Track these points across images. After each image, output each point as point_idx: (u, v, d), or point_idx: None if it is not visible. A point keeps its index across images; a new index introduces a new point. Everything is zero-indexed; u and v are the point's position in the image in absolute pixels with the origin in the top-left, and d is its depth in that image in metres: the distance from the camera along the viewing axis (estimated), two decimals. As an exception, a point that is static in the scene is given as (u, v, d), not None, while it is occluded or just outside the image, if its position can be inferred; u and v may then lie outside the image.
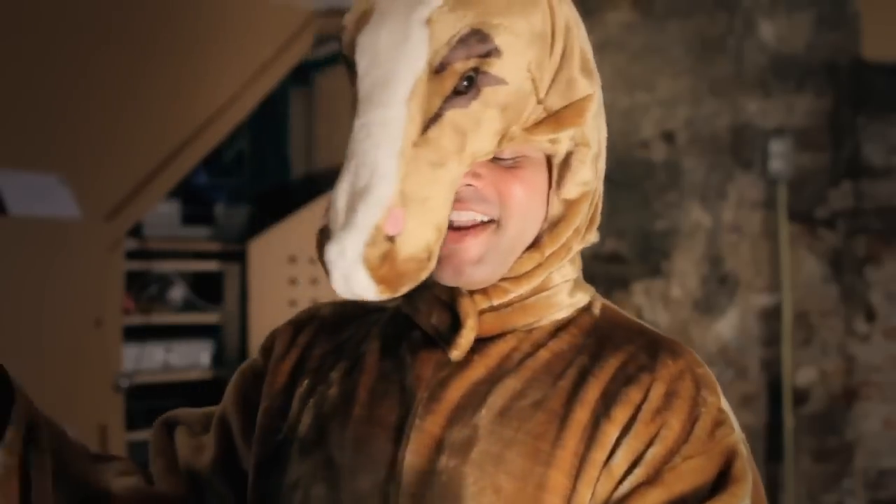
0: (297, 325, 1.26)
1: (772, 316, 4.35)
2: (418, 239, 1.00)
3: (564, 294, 1.15)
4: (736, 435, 1.09)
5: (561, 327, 1.14)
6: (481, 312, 1.12)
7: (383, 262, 0.98)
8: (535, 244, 1.12)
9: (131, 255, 3.77)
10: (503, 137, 1.06)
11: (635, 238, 4.43)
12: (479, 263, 1.09)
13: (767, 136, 4.35)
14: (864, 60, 4.33)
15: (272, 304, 3.90)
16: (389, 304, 1.22)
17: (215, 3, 3.71)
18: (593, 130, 1.14)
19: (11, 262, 3.24)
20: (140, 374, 3.75)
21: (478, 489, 1.04)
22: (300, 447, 1.14)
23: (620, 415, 1.06)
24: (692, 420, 1.06)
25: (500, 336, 1.12)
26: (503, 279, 1.11)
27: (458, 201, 1.06)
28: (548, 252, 1.12)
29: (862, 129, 4.34)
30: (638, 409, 1.06)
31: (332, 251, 0.98)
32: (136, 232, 3.82)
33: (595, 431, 1.05)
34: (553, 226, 1.13)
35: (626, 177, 4.44)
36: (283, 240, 3.91)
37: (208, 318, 4.04)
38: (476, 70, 1.03)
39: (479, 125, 1.03)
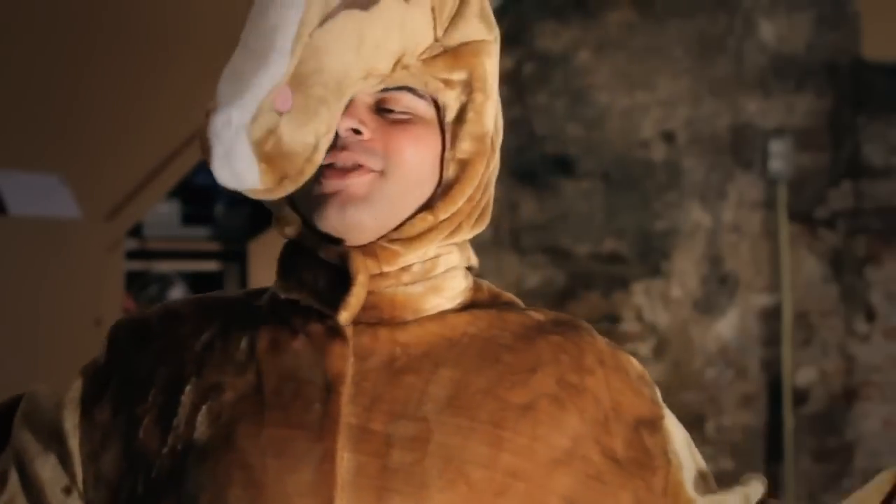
0: (139, 331, 1.15)
1: (772, 316, 4.36)
2: (306, 121, 0.98)
3: (460, 278, 1.13)
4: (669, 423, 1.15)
5: (467, 309, 1.12)
6: (374, 280, 1.07)
7: (268, 137, 0.96)
8: (427, 207, 1.09)
9: (131, 255, 3.78)
10: (398, 63, 1.05)
11: (635, 238, 4.43)
12: (364, 203, 1.05)
13: (767, 136, 4.35)
14: (864, 60, 4.34)
15: (272, 304, 3.90)
16: (256, 300, 1.15)
17: (215, 3, 3.71)
18: (491, 81, 1.11)
19: (11, 262, 3.24)
20: (140, 374, 3.74)
21: (445, 482, 1.02)
22: (197, 455, 1.05)
23: (583, 403, 1.08)
24: (640, 388, 1.12)
25: (414, 322, 1.09)
26: (393, 241, 1.07)
27: (342, 149, 1.04)
28: (441, 216, 1.08)
29: (862, 129, 4.34)
30: (599, 394, 1.09)
31: (218, 121, 0.96)
32: (136, 232, 3.82)
33: (560, 416, 1.06)
34: (447, 189, 1.09)
35: (626, 177, 4.44)
36: (283, 240, 3.91)
37: (208, 318, 4.03)
38: None
39: (377, 35, 1.02)
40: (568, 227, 4.29)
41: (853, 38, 4.37)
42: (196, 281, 4.06)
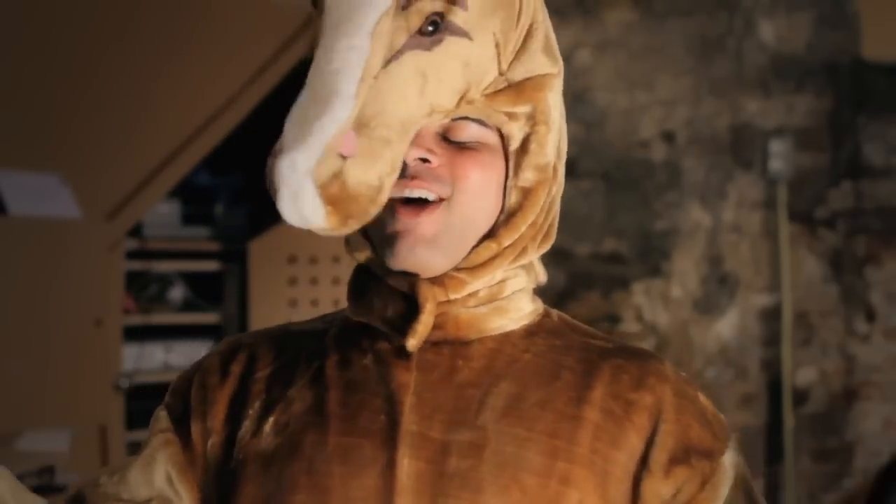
0: (224, 356, 1.20)
1: (772, 316, 4.36)
2: (370, 164, 0.99)
3: (526, 300, 1.16)
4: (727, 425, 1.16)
5: (532, 332, 1.15)
6: (441, 306, 1.10)
7: (334, 181, 0.97)
8: (491, 235, 1.12)
9: (131, 255, 3.77)
10: (462, 98, 1.07)
11: (635, 238, 4.43)
12: (432, 243, 1.08)
13: (767, 136, 4.35)
14: (864, 60, 4.34)
15: (272, 304, 3.90)
16: (328, 328, 1.19)
17: (215, 3, 3.71)
18: (554, 113, 1.13)
19: (11, 262, 3.24)
20: (140, 374, 3.75)
21: (499, 487, 1.04)
22: (263, 462, 1.10)
23: (640, 420, 1.09)
24: (704, 420, 1.12)
25: (477, 341, 1.12)
26: (458, 269, 1.10)
27: (411, 177, 1.06)
28: (505, 243, 1.11)
29: (862, 129, 4.34)
30: (657, 412, 1.10)
31: (283, 164, 0.97)
32: (136, 232, 3.82)
33: (616, 432, 1.08)
34: (510, 216, 1.12)
35: (626, 177, 4.44)
36: (283, 240, 3.91)
37: (208, 318, 4.04)
38: (442, 17, 1.04)
39: (441, 73, 1.04)
40: (568, 227, 4.29)
41: (853, 38, 4.37)
42: (196, 281, 4.06)
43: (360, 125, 0.99)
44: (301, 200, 0.97)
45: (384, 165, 1.00)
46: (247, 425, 1.13)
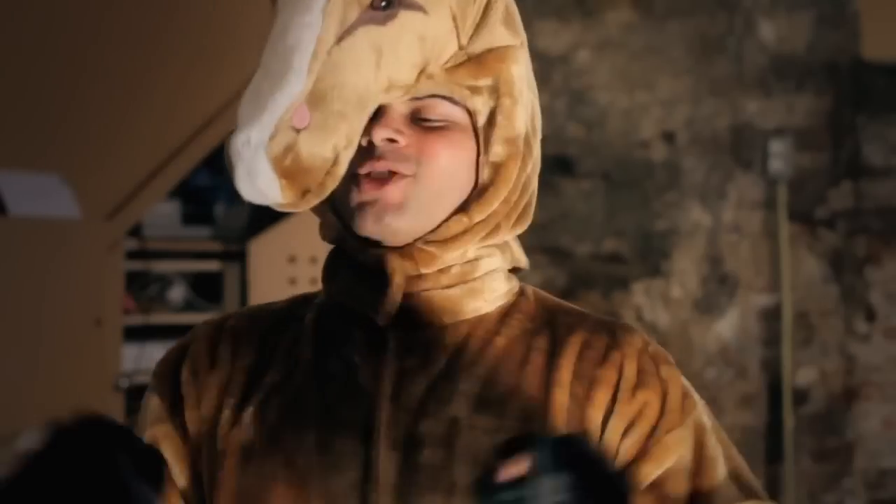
0: (211, 340, 1.17)
1: (772, 316, 4.36)
2: (324, 136, 1.00)
3: (501, 280, 1.15)
4: (699, 404, 1.13)
5: (506, 313, 1.14)
6: (412, 281, 1.10)
7: (286, 154, 0.99)
8: (463, 210, 1.11)
9: (131, 255, 3.77)
10: (422, 73, 1.07)
11: (635, 238, 4.43)
12: (400, 210, 1.08)
13: (767, 136, 4.35)
14: (864, 60, 4.34)
15: (272, 304, 3.89)
16: (305, 312, 1.17)
17: (215, 3, 3.71)
18: (519, 84, 1.12)
19: (11, 262, 3.23)
20: (140, 374, 3.74)
21: (472, 480, 1.02)
22: (243, 454, 1.09)
23: (601, 396, 1.09)
24: (663, 394, 1.10)
25: (452, 325, 1.11)
26: (429, 242, 1.10)
27: (378, 158, 1.07)
28: (476, 218, 1.11)
29: (862, 129, 4.35)
30: (616, 387, 1.09)
31: (238, 141, 0.98)
32: (136, 232, 3.82)
33: (580, 414, 1.08)
34: (482, 191, 1.11)
35: (626, 177, 4.44)
36: (283, 240, 3.91)
37: (208, 318, 4.03)
38: None
39: (396, 49, 1.04)
40: (568, 227, 4.29)
41: (853, 38, 4.37)
42: (196, 281, 4.06)
43: (315, 99, 1.00)
44: (256, 175, 0.99)
45: (339, 138, 1.01)
46: (226, 414, 1.12)
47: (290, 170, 0.99)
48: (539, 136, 1.16)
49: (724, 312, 4.39)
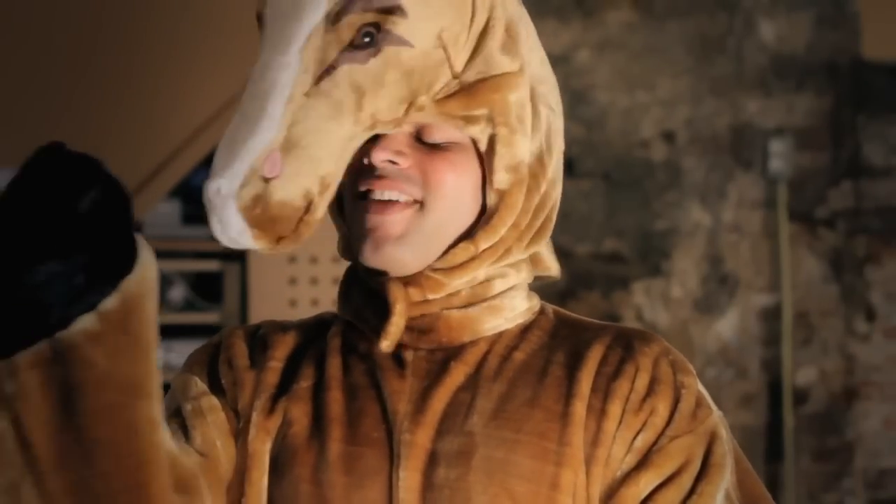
0: (247, 341, 1.16)
1: (772, 316, 4.35)
2: (295, 185, 0.98)
3: (521, 298, 1.13)
4: (715, 415, 1.11)
5: (526, 329, 1.12)
6: (421, 306, 1.08)
7: (255, 204, 0.97)
8: (469, 236, 1.09)
9: (131, 255, 3.77)
10: (410, 106, 1.03)
11: (635, 238, 4.43)
12: (400, 241, 1.06)
13: (767, 136, 4.35)
14: (864, 60, 4.33)
15: (272, 304, 3.90)
16: (331, 327, 1.16)
17: (215, 3, 3.71)
18: (519, 112, 1.08)
19: (11, 262, 3.23)
20: (140, 374, 3.74)
21: (489, 497, 1.03)
22: (266, 465, 1.08)
23: (615, 409, 1.07)
24: (675, 402, 1.08)
25: (470, 343, 1.10)
26: (436, 269, 1.08)
27: (381, 178, 1.05)
28: (482, 246, 1.08)
29: (862, 128, 4.34)
30: (627, 400, 1.07)
31: (210, 189, 0.98)
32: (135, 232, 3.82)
33: (597, 428, 1.06)
34: (488, 219, 1.09)
35: (626, 177, 4.43)
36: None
37: (208, 318, 4.03)
38: (378, 27, 1.00)
39: (380, 86, 1.01)
40: (568, 227, 4.29)
41: (853, 38, 4.37)
42: (196, 281, 4.06)
43: (290, 145, 0.98)
44: (227, 225, 0.98)
45: (313, 183, 0.99)
46: (255, 418, 1.10)
47: (260, 219, 0.98)
48: (556, 152, 1.12)
49: (724, 312, 4.39)
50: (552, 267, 1.17)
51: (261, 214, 0.97)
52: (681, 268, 4.42)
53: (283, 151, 0.97)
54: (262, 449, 1.09)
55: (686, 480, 1.06)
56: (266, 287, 3.92)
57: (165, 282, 3.98)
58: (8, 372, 0.92)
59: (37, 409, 0.93)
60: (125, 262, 0.97)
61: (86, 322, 0.94)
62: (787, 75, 4.39)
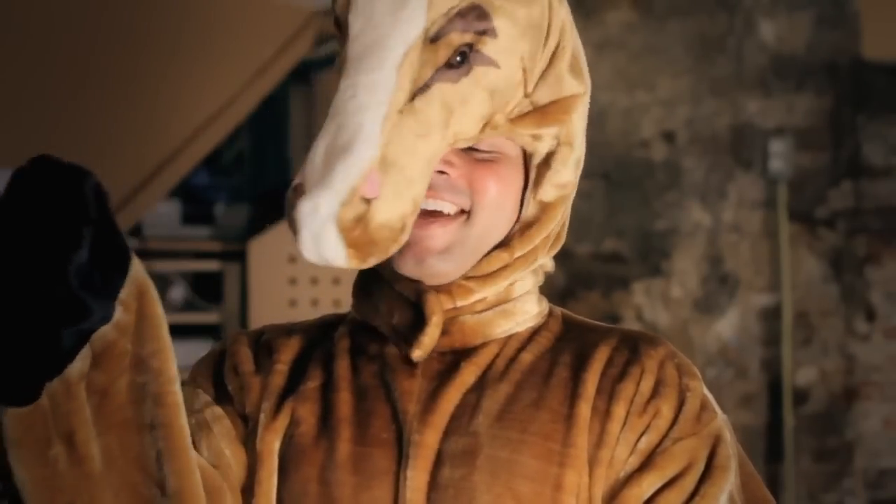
0: (252, 346, 1.16)
1: (772, 316, 4.35)
2: (394, 207, 0.97)
3: (532, 302, 1.14)
4: (719, 418, 1.11)
5: (534, 332, 1.13)
6: (448, 313, 1.09)
7: (356, 225, 0.95)
8: (504, 244, 1.10)
9: (131, 255, 3.77)
10: (487, 124, 1.04)
11: (635, 238, 4.43)
12: (443, 255, 1.07)
13: (767, 136, 4.35)
14: (864, 60, 4.33)
15: (272, 304, 3.90)
16: (338, 328, 1.16)
17: (215, 3, 3.71)
18: (579, 136, 1.11)
19: (11, 262, 3.23)
20: (140, 374, 3.74)
21: (493, 496, 1.03)
22: (274, 464, 1.09)
23: (619, 411, 1.07)
24: (679, 405, 1.08)
25: (482, 345, 1.11)
26: (468, 278, 1.09)
27: (429, 189, 1.04)
28: (517, 254, 1.10)
29: (862, 128, 4.34)
30: (631, 402, 1.08)
31: (305, 207, 0.95)
32: (136, 232, 3.82)
33: (601, 430, 1.07)
34: (525, 228, 1.10)
35: (626, 177, 4.44)
36: (283, 240, 3.90)
37: (208, 318, 4.03)
38: (470, 47, 1.01)
39: (466, 105, 1.01)
40: (568, 227, 4.28)
41: (853, 38, 4.37)
42: (196, 281, 4.06)
43: (386, 165, 0.96)
44: (323, 243, 0.96)
45: (407, 206, 0.98)
46: (263, 420, 1.11)
47: (359, 241, 0.96)
48: (581, 167, 1.14)
49: (724, 312, 4.39)
50: (547, 264, 1.17)
51: (360, 236, 0.96)
52: (681, 268, 4.42)
53: (381, 171, 0.96)
54: (269, 449, 1.09)
55: (689, 483, 1.06)
56: (266, 287, 3.92)
57: (165, 282, 3.98)
58: (65, 390, 0.91)
59: (87, 420, 0.93)
60: (118, 250, 0.98)
61: (117, 314, 0.94)
62: (787, 75, 4.39)
